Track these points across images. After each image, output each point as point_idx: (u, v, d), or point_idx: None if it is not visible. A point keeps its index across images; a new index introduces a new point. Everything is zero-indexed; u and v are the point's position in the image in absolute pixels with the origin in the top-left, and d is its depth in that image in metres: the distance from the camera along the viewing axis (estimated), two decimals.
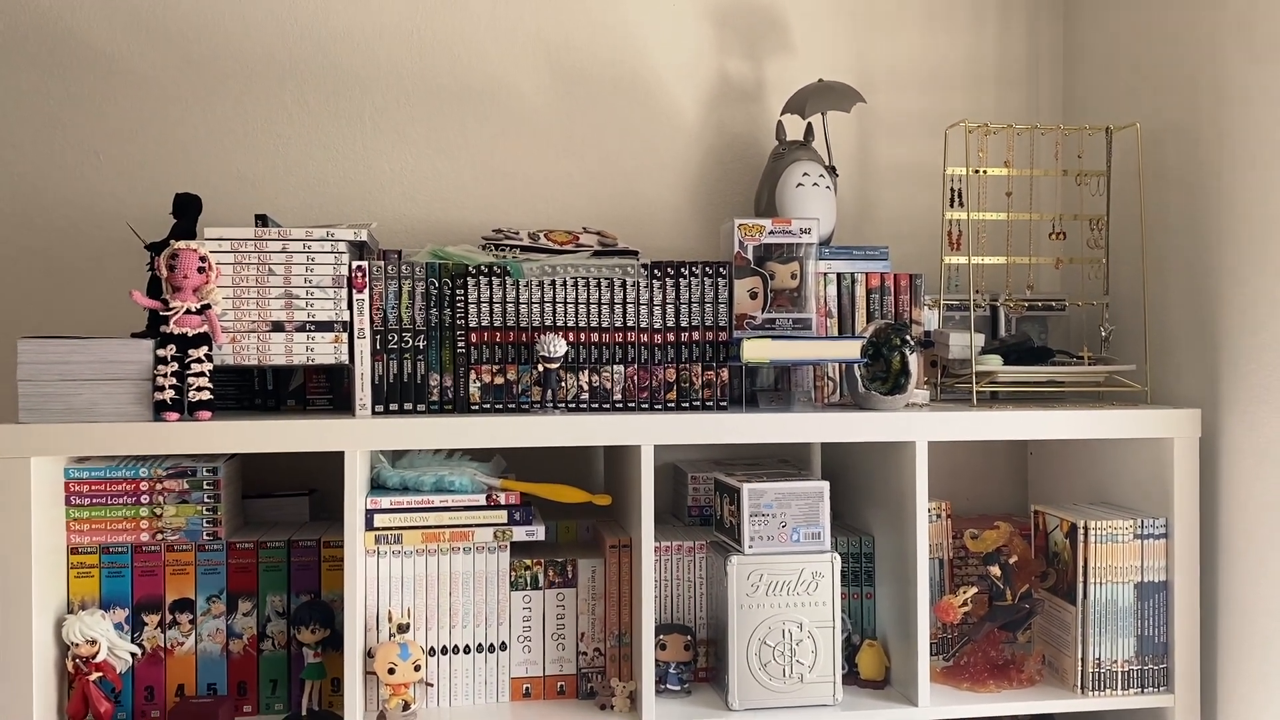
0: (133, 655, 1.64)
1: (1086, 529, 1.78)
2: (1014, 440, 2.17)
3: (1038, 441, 2.15)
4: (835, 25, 2.19)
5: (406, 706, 1.65)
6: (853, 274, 1.93)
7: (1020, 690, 1.80)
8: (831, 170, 2.01)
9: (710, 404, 1.77)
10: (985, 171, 1.96)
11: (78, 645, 1.58)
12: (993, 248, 2.00)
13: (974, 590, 1.81)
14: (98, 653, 1.58)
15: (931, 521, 1.84)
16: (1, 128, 1.96)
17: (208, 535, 1.69)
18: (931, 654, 1.80)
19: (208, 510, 1.69)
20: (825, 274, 1.92)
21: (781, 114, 2.06)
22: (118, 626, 1.64)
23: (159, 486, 1.68)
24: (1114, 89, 2.09)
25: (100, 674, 1.59)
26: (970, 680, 1.80)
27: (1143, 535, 1.78)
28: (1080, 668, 1.78)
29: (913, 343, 1.79)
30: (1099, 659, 1.78)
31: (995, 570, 1.82)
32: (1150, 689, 1.78)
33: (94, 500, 1.66)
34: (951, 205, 1.94)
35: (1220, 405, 1.81)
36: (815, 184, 1.96)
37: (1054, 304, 2.07)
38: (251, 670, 1.69)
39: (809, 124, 2.03)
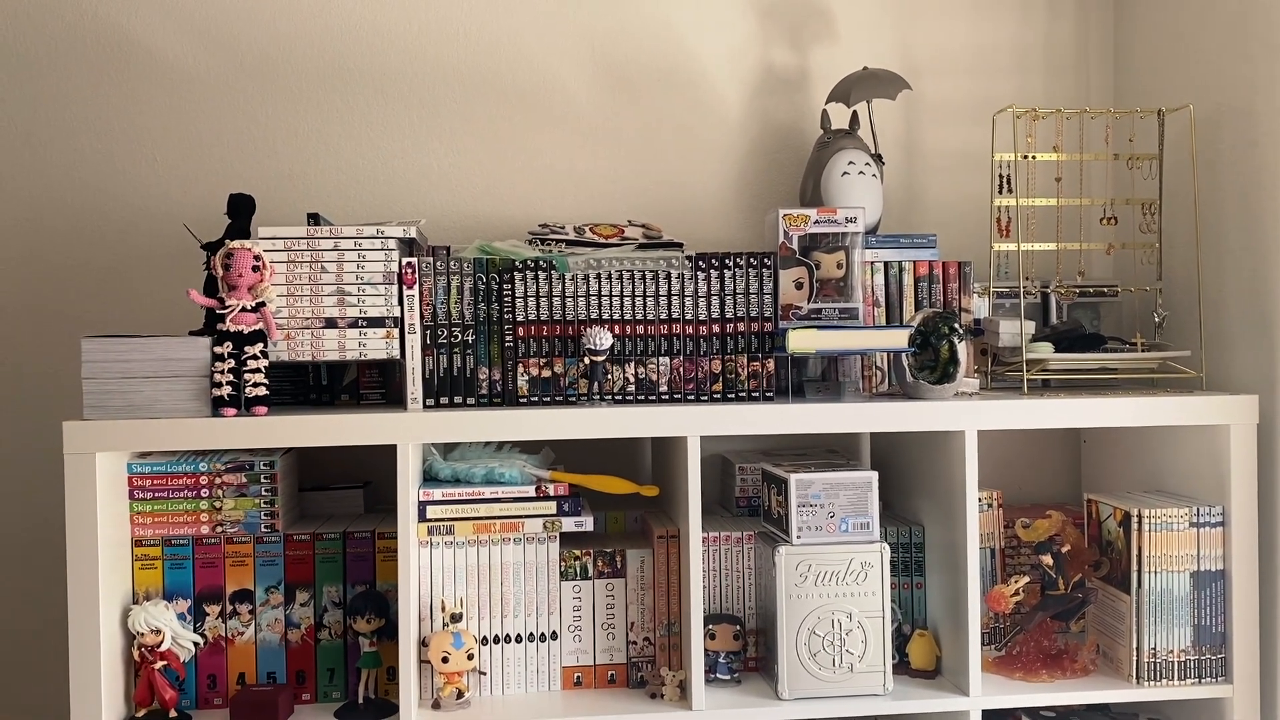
0: (195, 645, 1.68)
1: (1140, 517, 1.76)
2: (1067, 429, 2.15)
3: (1091, 430, 2.13)
4: (879, 12, 2.18)
5: (460, 695, 1.68)
6: (900, 262, 1.92)
7: (1074, 680, 1.78)
8: (877, 158, 2.00)
9: (756, 395, 1.77)
10: (1034, 157, 1.93)
11: (143, 635, 1.63)
12: (1042, 234, 1.98)
13: (1026, 579, 1.80)
14: (162, 642, 1.63)
15: (982, 511, 1.83)
16: (62, 133, 2.02)
17: (265, 528, 1.73)
18: (983, 644, 1.79)
19: (265, 503, 1.73)
20: (872, 263, 1.91)
21: (826, 102, 2.05)
22: (180, 617, 1.68)
23: (218, 480, 1.72)
24: (1166, 71, 2.06)
25: (165, 663, 1.64)
26: (1023, 670, 1.79)
27: (1199, 523, 1.76)
28: (1135, 658, 1.76)
29: (961, 331, 1.78)
30: (1154, 649, 1.75)
31: (1047, 559, 1.81)
32: (1208, 679, 1.76)
33: (156, 494, 1.71)
34: (1000, 191, 1.92)
35: (1278, 390, 1.77)
36: (861, 172, 1.95)
37: (1106, 290, 2.04)
38: (309, 659, 1.73)
39: (854, 112, 2.02)
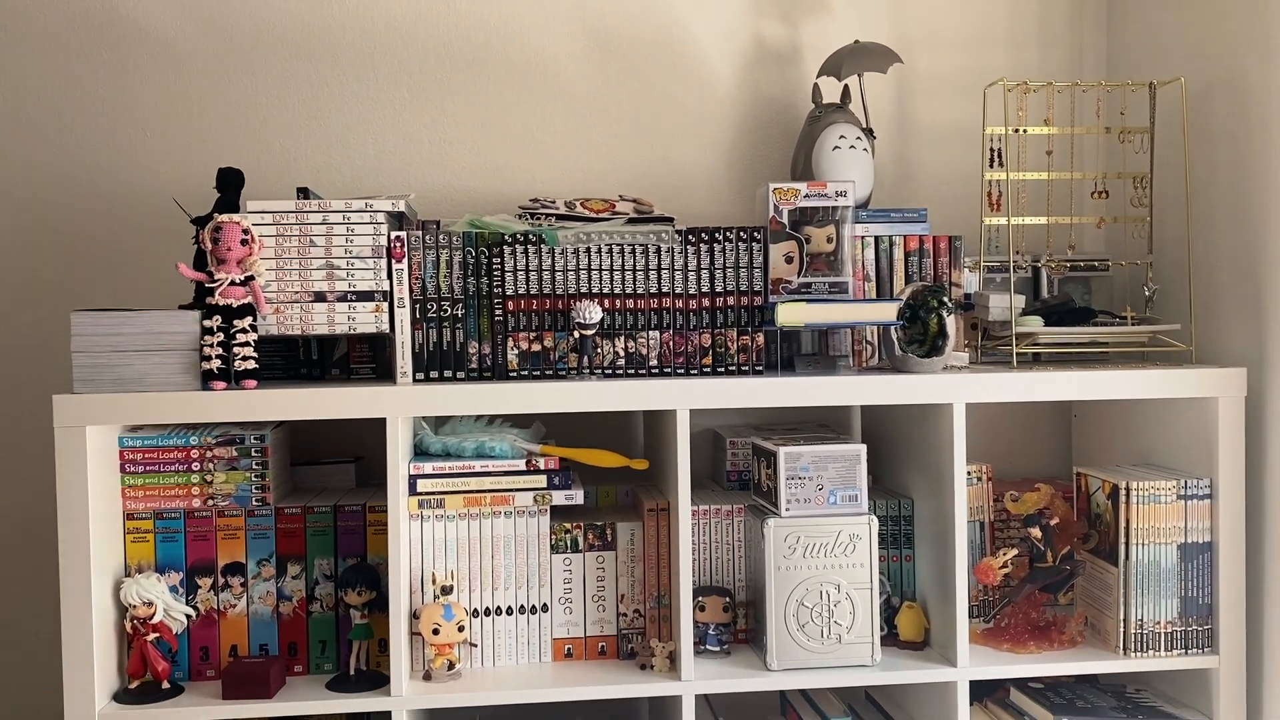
0: (187, 617, 1.69)
1: (1129, 490, 1.76)
2: (1058, 404, 2.15)
3: (1081, 404, 2.13)
4: None
5: (451, 666, 1.69)
6: (891, 237, 1.92)
7: (1061, 651, 1.79)
8: (869, 132, 2.00)
9: (746, 369, 1.78)
10: (1025, 130, 1.93)
11: (135, 607, 1.63)
12: (1034, 208, 1.97)
13: (1014, 552, 1.81)
14: (154, 614, 1.64)
15: (972, 485, 1.84)
16: (51, 107, 2.01)
17: (257, 501, 1.73)
18: (972, 616, 1.80)
19: (256, 477, 1.73)
20: (863, 237, 1.91)
21: (817, 76, 2.05)
22: (173, 589, 1.69)
23: (209, 454, 1.72)
24: (1159, 44, 2.05)
25: (157, 634, 1.65)
26: (1011, 641, 1.80)
27: (1186, 496, 1.76)
28: (1122, 629, 1.77)
29: (950, 304, 1.78)
30: (1141, 620, 1.76)
31: (1036, 532, 1.82)
32: (1194, 650, 1.77)
33: (147, 468, 1.71)
34: (991, 165, 1.91)
35: (1266, 364, 1.78)
36: (852, 146, 1.94)
37: (1097, 264, 2.04)
38: (301, 631, 1.74)
39: (845, 86, 2.02)
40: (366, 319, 1.71)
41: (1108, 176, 1.99)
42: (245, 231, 1.65)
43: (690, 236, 1.77)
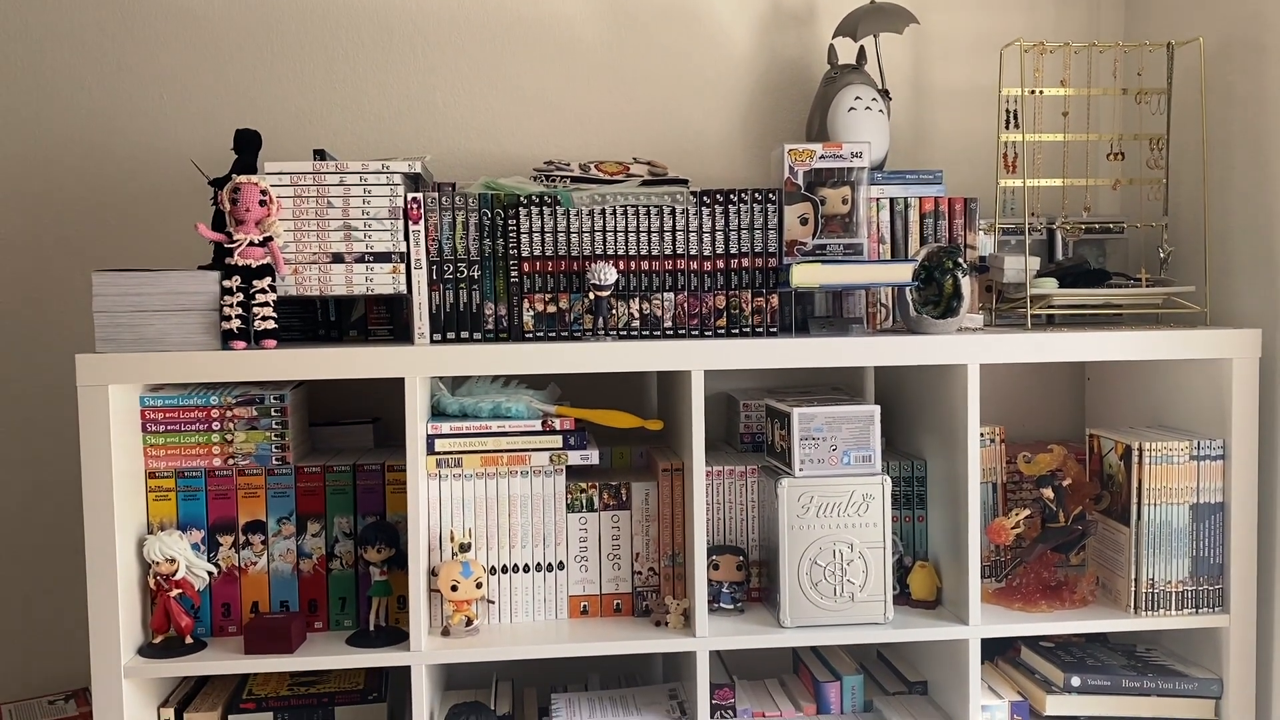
0: (209, 574, 1.72)
1: (1141, 451, 1.77)
2: (1071, 367, 2.16)
3: (1095, 366, 2.14)
4: None
5: (469, 622, 1.71)
6: (906, 199, 1.92)
7: (1073, 610, 1.81)
8: (884, 94, 1.99)
9: (760, 330, 1.79)
10: (1041, 92, 1.92)
11: (158, 564, 1.66)
12: (1049, 170, 1.97)
13: (1026, 513, 1.82)
14: (177, 570, 1.67)
15: (984, 446, 1.85)
16: (70, 70, 2.02)
17: (277, 460, 1.75)
18: (984, 576, 1.81)
19: (276, 436, 1.75)
20: (878, 199, 1.91)
21: (833, 37, 2.04)
22: (195, 547, 1.72)
23: (229, 413, 1.74)
24: (1177, 4, 2.03)
25: (180, 591, 1.68)
26: (1022, 600, 1.82)
27: (1199, 456, 1.77)
28: (1134, 588, 1.78)
29: (965, 266, 1.78)
30: (1152, 580, 1.78)
31: (1048, 493, 1.83)
32: (1205, 609, 1.78)
33: (169, 427, 1.73)
34: (1007, 127, 1.91)
35: None
36: (868, 108, 1.94)
37: (1112, 226, 2.04)
38: (321, 588, 1.77)
39: (861, 47, 2.01)
40: (384, 280, 1.72)
41: (1124, 138, 1.98)
42: (263, 192, 1.66)
43: (705, 198, 1.78)
